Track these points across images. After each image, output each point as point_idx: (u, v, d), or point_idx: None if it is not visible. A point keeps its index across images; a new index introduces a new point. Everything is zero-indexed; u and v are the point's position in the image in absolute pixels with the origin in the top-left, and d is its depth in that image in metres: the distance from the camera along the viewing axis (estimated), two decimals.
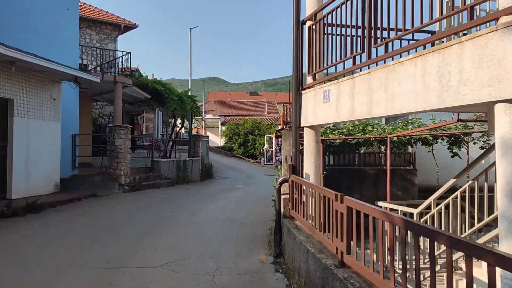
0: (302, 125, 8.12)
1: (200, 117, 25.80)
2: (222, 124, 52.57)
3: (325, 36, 6.91)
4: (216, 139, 53.85)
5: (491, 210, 7.72)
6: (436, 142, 16.52)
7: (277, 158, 33.24)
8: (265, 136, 39.33)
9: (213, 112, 61.54)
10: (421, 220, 8.86)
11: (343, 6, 6.04)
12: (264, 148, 36.90)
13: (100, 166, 17.78)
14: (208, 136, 47.35)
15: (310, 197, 6.87)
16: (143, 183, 17.46)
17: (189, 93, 23.19)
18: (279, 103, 76.97)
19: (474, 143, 15.98)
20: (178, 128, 28.06)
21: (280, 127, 49.37)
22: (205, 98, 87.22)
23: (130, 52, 17.68)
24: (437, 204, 8.81)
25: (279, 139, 33.27)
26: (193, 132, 47.16)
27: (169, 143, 24.41)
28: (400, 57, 5.00)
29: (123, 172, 16.42)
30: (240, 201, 15.30)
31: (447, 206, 8.51)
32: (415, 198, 15.28)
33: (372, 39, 5.44)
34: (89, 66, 17.65)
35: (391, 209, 9.46)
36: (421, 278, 5.56)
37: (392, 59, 5.07)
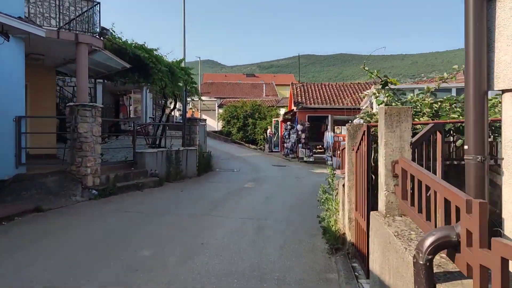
0: (498, 88, 2.97)
1: (197, 96, 20.50)
2: (219, 106, 47.38)
3: None
4: (213, 123, 48.68)
5: None
6: None
7: (284, 145, 28.20)
8: (272, 119, 34.19)
9: (208, 95, 56.25)
10: None
11: None
12: (268, 133, 31.89)
13: (62, 160, 12.71)
14: (205, 120, 42.28)
15: None
16: (120, 183, 12.38)
17: (183, 65, 17.88)
18: (277, 85, 71.79)
19: None
20: (169, 110, 22.96)
21: (282, 110, 44.39)
22: (201, 80, 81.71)
23: (99, 2, 12.37)
24: None
25: (288, 123, 28.16)
26: (188, 115, 42.05)
27: (158, 129, 19.24)
28: None
29: (90, 170, 11.34)
30: (263, 215, 10.04)
31: None
32: None
33: None
34: (43, 22, 12.32)
35: None
36: None
37: None
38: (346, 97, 26.62)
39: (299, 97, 26.53)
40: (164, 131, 17.95)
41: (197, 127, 18.02)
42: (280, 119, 30.56)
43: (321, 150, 26.99)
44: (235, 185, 15.11)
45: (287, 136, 27.49)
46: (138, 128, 20.53)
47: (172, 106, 19.79)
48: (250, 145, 39.51)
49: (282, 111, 46.63)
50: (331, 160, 25.52)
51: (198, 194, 12.87)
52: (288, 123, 27.87)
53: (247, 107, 42.53)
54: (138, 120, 25.55)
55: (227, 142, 34.15)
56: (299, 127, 25.60)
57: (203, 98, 54.47)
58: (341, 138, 25.48)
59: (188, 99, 21.88)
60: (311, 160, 25.44)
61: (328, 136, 25.45)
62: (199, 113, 47.46)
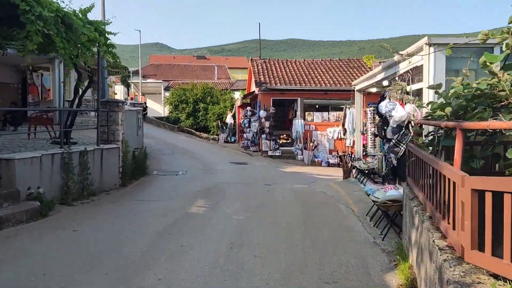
0: None
1: (124, 71, 14.15)
2: (166, 89, 40.64)
3: None
4: (159, 108, 41.94)
5: None
6: None
7: (243, 135, 22.36)
8: (235, 104, 28.04)
9: (155, 77, 49.22)
10: None
11: None
12: (228, 121, 25.84)
13: None
14: (144, 103, 35.30)
15: None
16: None
17: (94, 18, 11.28)
18: (230, 68, 65.53)
19: None
20: (94, 89, 16.50)
21: (237, 94, 38.50)
22: (147, 62, 73.79)
23: None
24: None
25: (248, 109, 22.29)
26: (129, 99, 34.94)
27: (69, 117, 12.67)
28: None
29: None
30: None
31: None
32: None
33: None
34: None
35: None
36: None
37: None
38: (320, 76, 21.12)
39: (262, 76, 20.76)
40: (72, 119, 11.61)
41: (119, 114, 11.73)
42: (237, 103, 24.72)
43: (286, 141, 21.49)
44: (176, 209, 9.06)
45: (246, 125, 21.69)
46: (35, 114, 13.96)
47: (86, 84, 13.27)
48: (201, 133, 33.36)
49: (237, 94, 40.70)
50: (301, 154, 20.08)
51: (102, 241, 6.76)
52: (248, 108, 22.04)
53: (197, 90, 36.17)
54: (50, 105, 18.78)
55: (174, 131, 27.92)
56: (262, 113, 19.87)
57: (148, 80, 47.56)
58: (313, 126, 20.03)
59: (114, 78, 15.44)
60: (277, 154, 19.82)
61: (298, 124, 19.91)
62: (141, 97, 40.57)
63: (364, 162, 12.27)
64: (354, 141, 16.37)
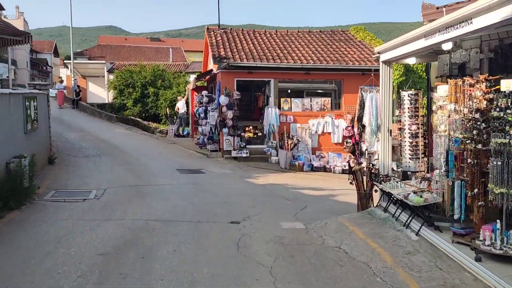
0: None
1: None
2: (110, 71, 33.70)
3: None
4: (103, 93, 34.96)
5: None
6: None
7: (199, 129, 16.42)
8: (187, 87, 21.72)
9: (102, 59, 41.92)
10: None
11: None
12: (180, 110, 19.57)
13: None
14: (77, 87, 28.41)
15: None
16: None
17: None
18: (186, 51, 58.66)
19: None
20: None
21: (192, 77, 32.55)
22: (94, 44, 65.42)
23: None
24: None
25: (203, 94, 16.36)
26: (57, 82, 27.67)
27: None
28: None
29: None
30: None
31: None
32: None
33: None
34: None
35: None
36: None
37: None
38: (298, 51, 15.47)
39: (222, 50, 14.85)
40: None
41: None
42: (190, 86, 18.64)
43: (254, 136, 15.82)
44: None
45: (202, 115, 15.74)
46: None
47: None
48: (150, 123, 27.09)
49: (193, 78, 34.46)
50: (276, 155, 14.51)
51: None
52: (204, 93, 16.04)
53: (146, 72, 29.76)
54: None
55: (111, 121, 21.41)
56: (223, 99, 14.04)
57: (88, 61, 40.37)
58: (291, 117, 14.52)
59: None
60: (244, 155, 14.09)
61: (271, 114, 14.27)
62: (68, 79, 33.48)
63: (402, 184, 6.77)
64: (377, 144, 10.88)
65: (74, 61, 36.25)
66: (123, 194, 8.98)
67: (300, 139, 14.14)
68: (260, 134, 16.17)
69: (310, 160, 14.32)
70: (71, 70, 31.18)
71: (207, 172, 12.03)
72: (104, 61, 35.49)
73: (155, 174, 11.39)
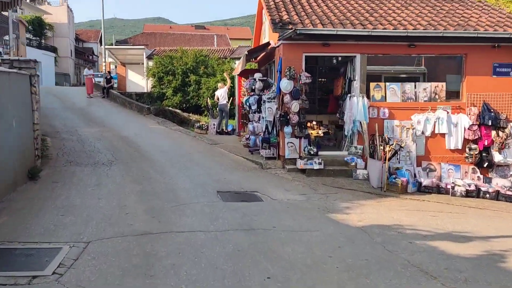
0: None
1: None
2: (149, 57, 29.74)
3: None
4: (141, 81, 31.19)
5: None
6: None
7: (249, 126, 11.56)
8: (233, 74, 17.02)
9: (147, 48, 38.18)
10: None
11: None
12: (220, 100, 14.87)
13: None
14: (108, 73, 24.44)
15: None
16: None
17: None
18: (232, 39, 54.16)
19: None
20: None
21: (237, 63, 28.24)
22: (139, 31, 62.36)
23: None
24: None
25: (255, 77, 11.50)
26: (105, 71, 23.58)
27: None
28: None
29: None
30: None
31: None
32: None
33: None
34: None
35: None
36: None
37: None
38: (395, 14, 10.29)
39: (284, 13, 9.95)
40: None
41: None
42: (237, 70, 13.78)
43: (314, 133, 10.90)
44: None
45: (253, 107, 10.91)
46: None
47: None
48: (191, 115, 22.88)
49: (240, 60, 29.86)
50: (364, 168, 9.50)
51: None
52: (257, 75, 11.09)
53: (188, 58, 25.58)
54: None
55: (141, 114, 16.94)
56: (285, 84, 9.24)
57: (126, 46, 36.87)
58: (386, 111, 9.43)
59: None
60: (316, 167, 9.19)
61: (357, 106, 9.29)
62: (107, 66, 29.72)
63: None
64: None
65: (112, 47, 32.72)
66: (113, 264, 4.45)
67: (402, 144, 9.08)
68: (331, 132, 11.30)
69: (415, 175, 9.26)
70: (104, 56, 27.39)
71: (265, 199, 7.29)
72: (143, 46, 31.52)
73: (183, 202, 6.80)
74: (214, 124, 14.88)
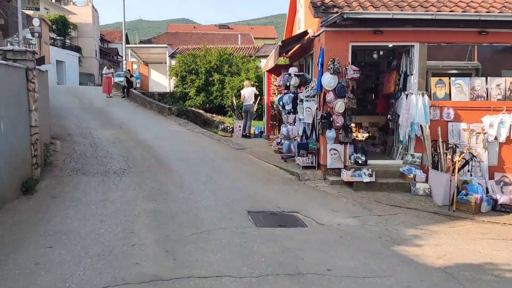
0: None
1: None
2: (172, 56, 28.53)
3: None
4: (164, 81, 30.08)
5: None
6: None
7: (283, 128, 9.89)
8: (265, 72, 15.37)
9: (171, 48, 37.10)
10: None
11: None
12: (246, 100, 13.29)
13: None
14: (128, 71, 23.31)
15: None
16: None
17: None
18: (256, 39, 52.63)
19: None
20: None
21: (264, 62, 26.73)
22: (163, 31, 61.56)
23: None
24: None
25: (291, 72, 9.82)
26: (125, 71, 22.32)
27: None
28: None
29: None
30: None
31: None
32: None
33: None
34: None
35: None
36: None
37: None
38: None
39: None
40: None
41: None
42: (267, 65, 12.05)
43: (361, 138, 9.24)
44: None
45: (287, 107, 9.27)
46: None
47: None
48: (214, 115, 21.50)
49: (264, 63, 28.29)
50: (425, 181, 7.66)
51: None
52: (292, 70, 9.36)
53: (211, 56, 24.23)
54: None
55: (162, 114, 15.51)
56: (328, 79, 7.63)
57: (147, 45, 35.92)
58: (451, 112, 7.56)
59: None
60: (366, 179, 7.52)
61: (415, 106, 7.55)
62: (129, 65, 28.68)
63: None
64: None
65: (134, 46, 31.77)
66: None
67: (475, 153, 7.30)
68: (375, 135, 9.63)
69: (487, 191, 7.47)
70: (124, 54, 26.33)
71: (309, 223, 5.67)
72: (165, 45, 30.36)
73: (206, 228, 5.26)
74: (240, 126, 13.34)
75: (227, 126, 13.92)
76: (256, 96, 13.49)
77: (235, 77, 23.02)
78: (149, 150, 10.02)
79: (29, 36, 26.44)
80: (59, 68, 32.72)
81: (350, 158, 7.89)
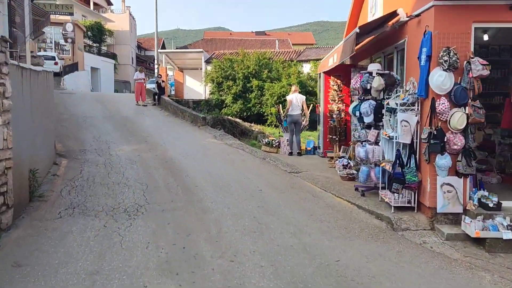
0: None
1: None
2: (207, 62, 26.36)
3: None
4: (199, 88, 27.99)
5: None
6: None
7: (359, 149, 7.00)
8: (319, 71, 12.61)
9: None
10: None
11: None
12: (292, 109, 10.48)
13: None
14: (158, 76, 20.95)
15: None
16: None
17: None
18: (294, 45, 49.99)
19: None
20: None
21: (306, 67, 24.37)
22: (199, 38, 60.15)
23: None
24: None
25: (371, 69, 6.85)
26: (159, 77, 19.55)
27: None
28: None
29: None
30: None
31: None
32: None
33: None
34: None
35: None
36: None
37: None
38: None
39: None
40: None
41: None
42: (330, 63, 9.28)
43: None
44: None
45: (367, 119, 6.51)
46: None
47: None
48: (253, 125, 19.04)
49: (307, 67, 25.56)
50: None
51: None
52: (373, 67, 6.73)
53: (249, 61, 21.94)
54: None
55: (195, 125, 13.09)
56: (439, 78, 4.86)
57: (183, 50, 34.17)
58: None
59: None
60: (508, 236, 4.72)
61: None
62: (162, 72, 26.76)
63: None
64: None
65: (168, 51, 29.98)
66: None
67: None
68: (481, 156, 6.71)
69: None
70: (156, 58, 24.40)
71: None
72: (201, 50, 28.28)
73: None
74: (286, 141, 10.68)
75: (272, 140, 11.28)
76: (307, 105, 10.79)
77: (275, 83, 20.56)
78: (177, 173, 7.55)
79: (62, 41, 25.11)
80: (94, 75, 31.40)
81: (472, 199, 5.05)
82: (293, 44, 48.37)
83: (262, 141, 11.68)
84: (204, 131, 12.34)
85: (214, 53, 28.57)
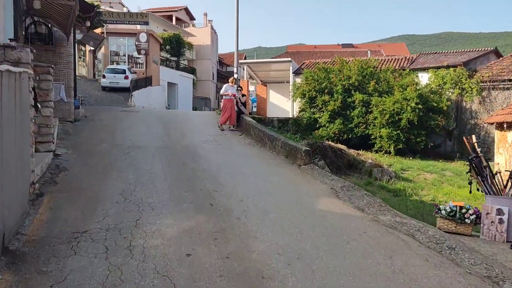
0: None
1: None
2: (296, 73, 21.27)
3: None
4: (286, 105, 22.92)
5: None
6: None
7: None
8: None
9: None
10: None
11: None
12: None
13: None
14: (239, 88, 15.50)
15: None
16: None
17: None
18: (387, 56, 43.14)
19: None
20: None
21: (425, 76, 18.59)
22: (281, 52, 55.81)
23: None
24: None
25: None
26: (240, 91, 13.92)
27: None
28: None
29: None
30: None
31: None
32: None
33: None
34: None
35: None
36: None
37: None
38: None
39: None
40: None
41: None
42: None
43: None
44: None
45: None
46: None
47: None
48: (360, 152, 13.46)
49: (425, 77, 19.21)
50: None
51: None
52: None
53: (350, 71, 16.47)
54: None
55: (293, 163, 8.07)
56: None
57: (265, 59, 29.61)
58: None
59: None
60: None
61: None
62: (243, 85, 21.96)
63: None
64: None
65: (251, 61, 25.48)
66: None
67: None
68: None
69: None
70: (236, 67, 19.74)
71: None
72: (289, 59, 23.27)
73: None
74: (493, 208, 4.87)
75: (463, 214, 5.42)
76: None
77: (385, 97, 14.78)
78: None
79: (135, 53, 21.90)
80: (171, 91, 28.09)
81: None
82: (386, 56, 41.62)
83: (439, 213, 5.88)
84: (311, 177, 7.01)
85: (304, 62, 23.37)
